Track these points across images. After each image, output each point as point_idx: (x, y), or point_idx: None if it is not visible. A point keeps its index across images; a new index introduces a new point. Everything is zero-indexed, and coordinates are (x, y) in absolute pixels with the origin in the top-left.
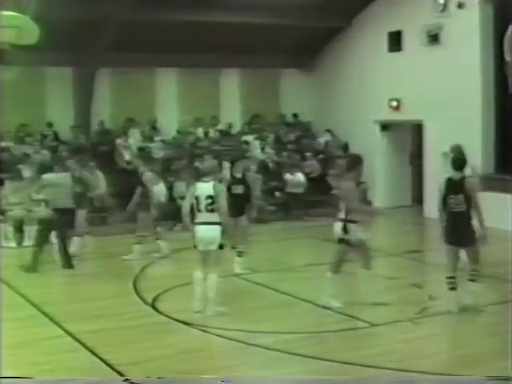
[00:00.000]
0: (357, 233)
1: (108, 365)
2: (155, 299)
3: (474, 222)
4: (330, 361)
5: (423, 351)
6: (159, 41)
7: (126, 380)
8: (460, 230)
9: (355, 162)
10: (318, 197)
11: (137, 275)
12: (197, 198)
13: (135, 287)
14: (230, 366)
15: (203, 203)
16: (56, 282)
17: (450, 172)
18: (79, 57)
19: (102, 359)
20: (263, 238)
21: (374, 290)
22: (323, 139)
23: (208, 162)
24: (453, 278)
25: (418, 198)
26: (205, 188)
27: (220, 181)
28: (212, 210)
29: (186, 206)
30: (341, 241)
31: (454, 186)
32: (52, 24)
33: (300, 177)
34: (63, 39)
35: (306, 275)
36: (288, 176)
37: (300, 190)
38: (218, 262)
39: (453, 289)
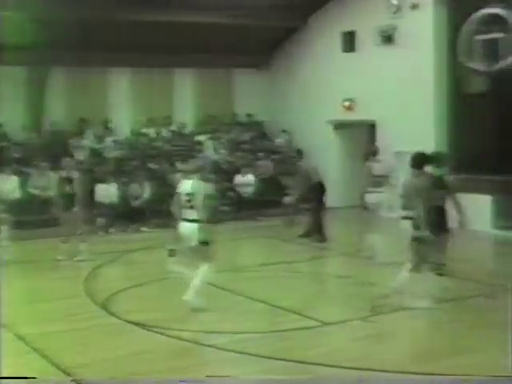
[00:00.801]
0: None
1: (59, 368)
2: (107, 301)
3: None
4: (284, 360)
5: (375, 349)
6: (112, 40)
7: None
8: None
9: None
10: (270, 197)
11: (88, 277)
12: (179, 195)
13: (87, 289)
14: (183, 367)
15: (183, 200)
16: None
17: (403, 170)
18: (32, 56)
19: (52, 362)
20: (216, 238)
21: (326, 289)
22: (281, 140)
23: (193, 162)
24: (440, 264)
25: None
26: (185, 185)
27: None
28: (190, 207)
29: (173, 202)
30: (416, 239)
31: (434, 183)
32: (4, 22)
33: (250, 178)
34: (16, 38)
35: (259, 275)
36: (238, 177)
37: (250, 191)
38: (206, 258)
39: (441, 275)
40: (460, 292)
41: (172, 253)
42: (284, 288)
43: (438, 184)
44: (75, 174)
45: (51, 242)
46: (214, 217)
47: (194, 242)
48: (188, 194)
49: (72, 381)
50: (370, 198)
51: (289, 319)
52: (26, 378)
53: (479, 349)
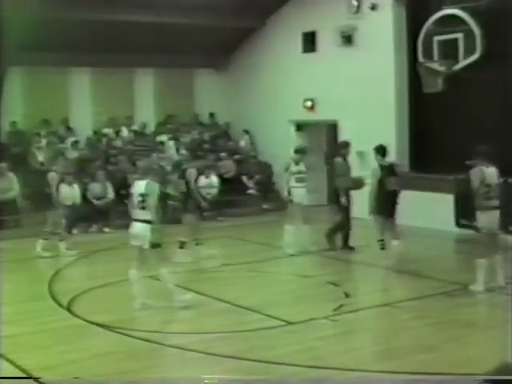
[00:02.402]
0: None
1: (23, 370)
2: (71, 302)
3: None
4: (248, 360)
5: (340, 348)
6: (72, 40)
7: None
8: (390, 204)
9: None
10: (232, 197)
11: (52, 278)
12: (132, 196)
13: (50, 290)
14: (146, 368)
15: (136, 200)
16: None
17: (365, 169)
18: None
19: (16, 365)
20: (178, 238)
21: (290, 288)
22: (243, 141)
23: (144, 163)
24: (382, 240)
25: (334, 197)
26: (138, 186)
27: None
28: (143, 208)
29: (129, 202)
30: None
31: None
32: None
33: (214, 179)
34: None
35: (222, 275)
36: (202, 179)
37: (214, 192)
38: (159, 260)
39: (383, 249)
40: (422, 290)
41: (182, 245)
42: (247, 288)
43: (391, 171)
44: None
45: (14, 243)
46: (169, 217)
47: (145, 244)
48: (141, 195)
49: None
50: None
51: (253, 319)
52: (25, 377)
53: (442, 347)
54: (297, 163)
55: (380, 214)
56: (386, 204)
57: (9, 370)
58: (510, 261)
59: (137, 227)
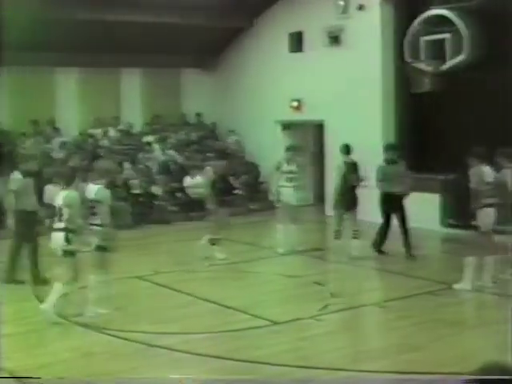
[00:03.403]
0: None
1: (9, 371)
2: (57, 303)
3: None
4: (235, 360)
5: (326, 348)
6: (59, 40)
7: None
8: (350, 198)
9: None
10: (219, 197)
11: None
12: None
13: (36, 291)
14: (133, 368)
15: (86, 205)
16: None
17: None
18: None
19: (0, 367)
20: (165, 239)
21: (275, 288)
22: (231, 140)
23: (102, 163)
24: (339, 231)
25: (320, 197)
26: (89, 191)
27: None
28: (93, 214)
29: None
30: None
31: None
32: None
33: (199, 179)
34: None
35: (209, 275)
36: (188, 179)
37: (200, 192)
38: (102, 265)
39: (337, 238)
40: (408, 290)
41: (214, 241)
42: (233, 288)
43: (353, 168)
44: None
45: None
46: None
47: (92, 248)
48: (91, 201)
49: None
50: None
51: (239, 319)
52: (25, 377)
53: (428, 346)
54: (288, 162)
55: (340, 207)
56: (346, 198)
57: None
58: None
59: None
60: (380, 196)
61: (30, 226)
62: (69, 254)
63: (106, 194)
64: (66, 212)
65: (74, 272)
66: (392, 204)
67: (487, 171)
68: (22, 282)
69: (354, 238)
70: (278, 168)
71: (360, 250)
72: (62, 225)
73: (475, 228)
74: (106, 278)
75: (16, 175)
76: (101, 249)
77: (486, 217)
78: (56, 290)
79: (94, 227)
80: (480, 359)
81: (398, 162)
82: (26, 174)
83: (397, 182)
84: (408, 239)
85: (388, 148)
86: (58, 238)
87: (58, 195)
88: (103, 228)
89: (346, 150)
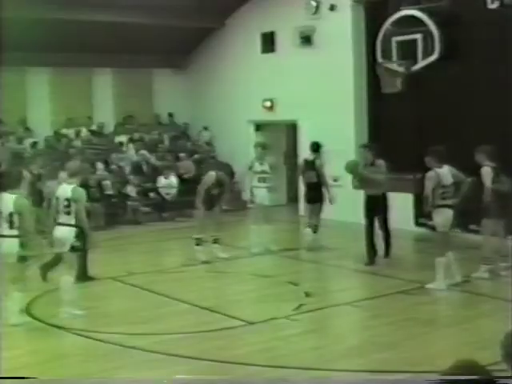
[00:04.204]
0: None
1: None
2: (30, 304)
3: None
4: (209, 360)
5: (300, 347)
6: (30, 39)
7: None
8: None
9: None
10: (191, 197)
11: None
12: (57, 199)
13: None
14: (107, 369)
15: (61, 205)
16: None
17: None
18: None
19: None
20: (138, 240)
21: (250, 288)
22: (204, 138)
23: (73, 163)
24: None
25: (293, 197)
26: (64, 190)
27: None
28: (68, 213)
29: (52, 206)
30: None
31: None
32: None
33: (173, 180)
34: None
35: (182, 276)
36: (161, 179)
37: (173, 193)
38: (72, 265)
39: (314, 232)
40: (382, 289)
41: (199, 242)
42: (207, 288)
43: (311, 165)
44: None
45: None
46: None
47: (66, 248)
48: (68, 200)
49: None
50: None
51: (213, 319)
52: (25, 378)
53: (401, 345)
54: (261, 162)
55: (305, 201)
56: (305, 194)
57: None
58: (470, 259)
59: (61, 231)
60: (365, 199)
61: None
62: (22, 259)
63: (81, 193)
64: (16, 219)
65: (24, 278)
66: (377, 206)
67: (444, 173)
68: (92, 279)
69: (314, 231)
70: (250, 167)
71: (313, 242)
72: (14, 232)
73: (433, 228)
74: (71, 280)
75: None
76: (75, 250)
77: (441, 217)
78: (15, 298)
79: (67, 227)
80: (452, 357)
81: (377, 162)
82: None
83: (379, 183)
84: (389, 240)
85: (366, 148)
86: (9, 245)
87: (5, 200)
88: (77, 228)
89: (312, 147)
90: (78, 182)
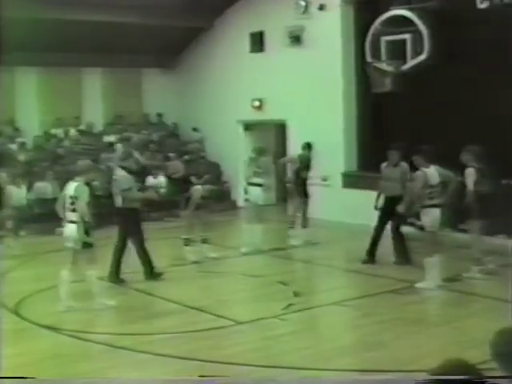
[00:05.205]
0: None
1: None
2: (18, 304)
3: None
4: (198, 360)
5: (289, 347)
6: (19, 38)
7: None
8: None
9: None
10: (180, 197)
11: None
12: (64, 197)
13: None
14: (96, 370)
15: (67, 202)
16: None
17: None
18: None
19: None
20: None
21: (239, 288)
22: (195, 139)
23: (81, 162)
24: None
25: (282, 197)
26: (70, 187)
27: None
28: (73, 210)
29: (57, 203)
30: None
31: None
32: None
33: (162, 179)
34: None
35: (171, 276)
36: (150, 179)
37: (162, 192)
38: (91, 261)
39: (291, 228)
40: (371, 288)
41: (187, 242)
42: (196, 288)
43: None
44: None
45: None
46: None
47: (76, 245)
48: (71, 197)
49: None
50: None
51: (202, 319)
52: (25, 378)
53: (391, 344)
54: (254, 162)
55: (301, 196)
56: (303, 188)
57: None
58: (460, 258)
59: (68, 228)
60: (384, 201)
61: None
62: (88, 245)
63: (83, 189)
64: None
65: None
66: (394, 209)
67: (431, 173)
68: (123, 281)
69: (290, 227)
70: (245, 167)
71: (296, 239)
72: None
73: (421, 228)
74: (95, 273)
75: None
76: (87, 246)
77: (429, 217)
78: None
79: (73, 224)
80: (442, 356)
81: (401, 164)
82: None
83: (394, 185)
84: (405, 244)
85: (393, 150)
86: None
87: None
88: (84, 224)
89: (302, 146)
90: (85, 180)
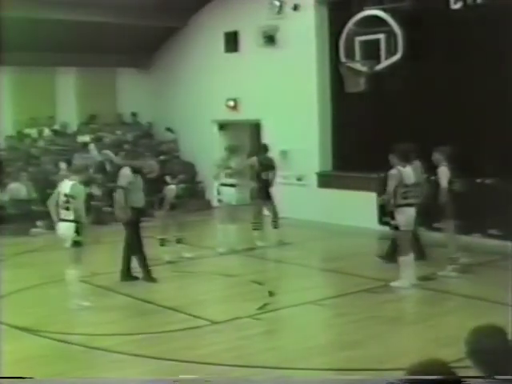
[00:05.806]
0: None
1: None
2: None
3: None
4: (173, 360)
5: (265, 346)
6: None
7: None
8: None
9: None
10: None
11: None
12: (58, 195)
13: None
14: (72, 370)
15: (61, 200)
16: None
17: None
18: None
19: None
20: (102, 240)
21: (213, 288)
22: (169, 139)
23: (77, 161)
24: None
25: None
26: (65, 186)
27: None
28: (67, 208)
29: (50, 201)
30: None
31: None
32: None
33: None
34: None
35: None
36: None
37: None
38: (77, 260)
39: (256, 230)
40: (346, 288)
41: (163, 242)
42: (171, 288)
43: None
44: None
45: None
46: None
47: (68, 243)
48: (66, 196)
49: None
50: None
51: (177, 319)
52: (26, 378)
53: (366, 343)
54: (227, 162)
55: (265, 198)
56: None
57: None
58: (435, 257)
59: (61, 227)
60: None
61: None
62: (77, 244)
63: (80, 189)
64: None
65: None
66: None
67: (406, 172)
68: (136, 278)
69: (254, 229)
70: (218, 167)
71: (261, 240)
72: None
73: (396, 227)
74: (75, 273)
75: None
76: (76, 244)
77: (403, 216)
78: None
79: (67, 223)
80: (417, 355)
81: (414, 162)
82: None
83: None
84: (420, 241)
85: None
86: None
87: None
88: (76, 223)
89: (263, 148)
90: (80, 179)
